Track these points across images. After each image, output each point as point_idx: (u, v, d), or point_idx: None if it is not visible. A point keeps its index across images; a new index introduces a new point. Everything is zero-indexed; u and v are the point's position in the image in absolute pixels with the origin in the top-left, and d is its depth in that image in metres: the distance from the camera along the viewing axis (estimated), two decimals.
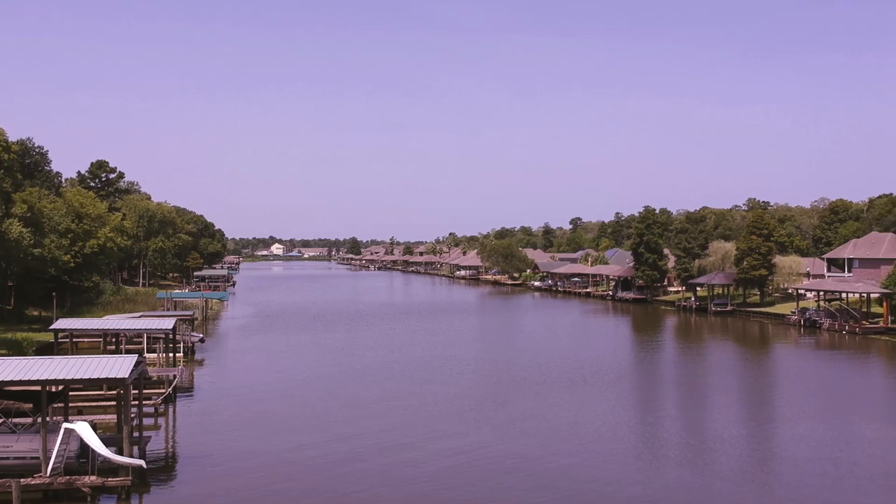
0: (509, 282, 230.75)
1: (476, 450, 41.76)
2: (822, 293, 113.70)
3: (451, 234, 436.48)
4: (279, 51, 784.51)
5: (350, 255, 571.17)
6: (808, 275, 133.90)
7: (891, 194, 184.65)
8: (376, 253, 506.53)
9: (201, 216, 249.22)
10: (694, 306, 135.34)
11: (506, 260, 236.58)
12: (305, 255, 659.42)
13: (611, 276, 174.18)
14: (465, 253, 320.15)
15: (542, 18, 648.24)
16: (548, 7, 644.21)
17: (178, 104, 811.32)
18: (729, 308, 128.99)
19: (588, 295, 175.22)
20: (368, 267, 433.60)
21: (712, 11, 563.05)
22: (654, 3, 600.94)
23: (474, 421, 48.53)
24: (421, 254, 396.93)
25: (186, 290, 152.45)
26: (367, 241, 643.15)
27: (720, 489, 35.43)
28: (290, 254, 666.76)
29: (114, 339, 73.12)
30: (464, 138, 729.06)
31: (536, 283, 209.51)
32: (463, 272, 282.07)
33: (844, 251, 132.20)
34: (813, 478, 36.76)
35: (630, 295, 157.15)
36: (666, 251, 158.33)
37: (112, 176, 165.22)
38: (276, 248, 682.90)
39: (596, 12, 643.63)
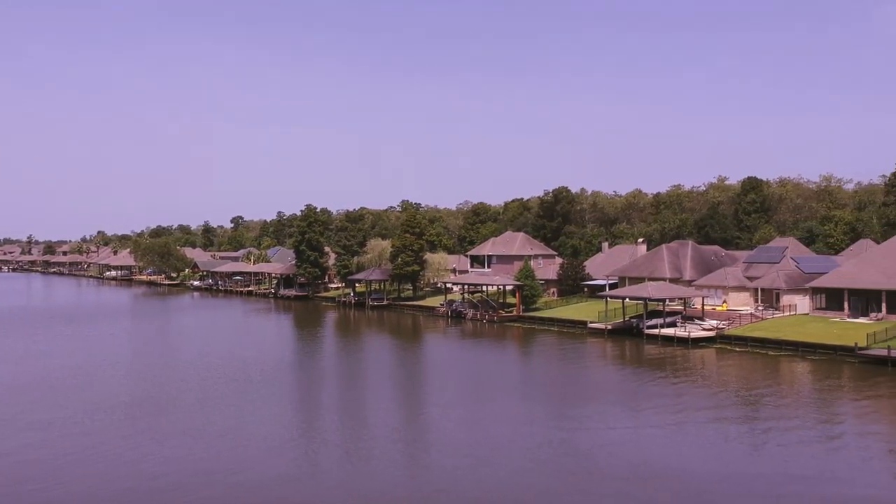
0: (166, 282, 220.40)
1: (136, 458, 39.74)
2: (466, 286, 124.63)
3: (99, 232, 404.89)
4: None
5: None
6: (454, 270, 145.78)
7: (521, 199, 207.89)
8: (10, 253, 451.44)
9: None
10: (353, 301, 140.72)
11: (162, 259, 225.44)
12: None
13: (273, 274, 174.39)
14: (116, 252, 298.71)
15: (198, 17, 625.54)
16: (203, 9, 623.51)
17: None
18: (385, 302, 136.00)
19: (251, 293, 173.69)
20: (1, 268, 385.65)
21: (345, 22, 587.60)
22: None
23: (132, 428, 46.03)
24: (65, 253, 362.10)
25: None
26: None
27: (385, 475, 37.52)
28: None
29: None
30: (113, 129, 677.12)
31: (196, 283, 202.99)
32: (114, 272, 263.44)
33: (485, 248, 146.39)
34: (469, 457, 40.21)
35: (292, 292, 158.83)
36: (327, 249, 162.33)
37: None
38: None
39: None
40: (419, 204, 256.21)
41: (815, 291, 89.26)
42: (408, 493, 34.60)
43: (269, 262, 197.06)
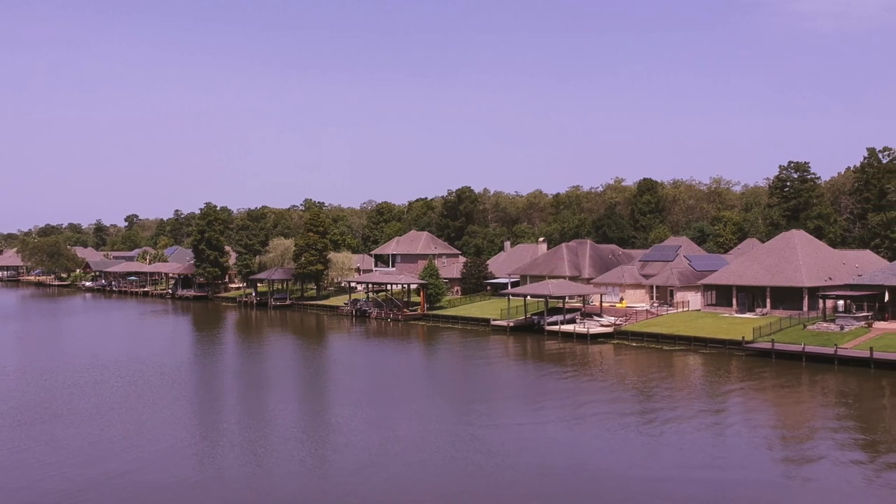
0: (56, 283, 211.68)
1: (28, 464, 38.18)
2: (370, 285, 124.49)
3: None
4: None
5: None
6: (358, 269, 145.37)
7: (425, 198, 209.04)
8: None
9: None
10: (255, 301, 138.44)
11: (52, 259, 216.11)
12: None
13: (171, 274, 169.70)
14: (1, 252, 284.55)
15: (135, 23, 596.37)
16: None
17: None
18: (288, 302, 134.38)
19: (146, 294, 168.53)
20: None
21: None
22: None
23: (23, 434, 44.11)
24: None
25: None
26: None
27: (295, 477, 37.13)
28: None
29: None
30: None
31: (88, 284, 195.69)
32: None
33: (389, 248, 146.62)
34: (381, 457, 40.22)
35: (191, 293, 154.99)
36: (228, 248, 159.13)
37: None
38: None
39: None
40: (322, 203, 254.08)
41: (707, 288, 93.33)
42: (320, 494, 34.44)
43: (166, 261, 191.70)
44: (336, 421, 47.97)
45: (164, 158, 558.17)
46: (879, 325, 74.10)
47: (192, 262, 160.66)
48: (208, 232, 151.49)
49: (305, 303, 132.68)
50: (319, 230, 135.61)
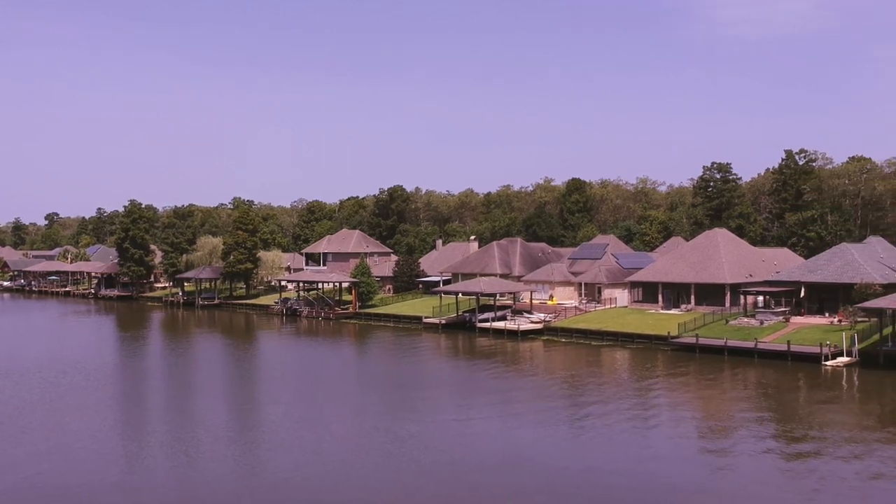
0: None
1: None
2: (301, 284, 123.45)
3: None
4: None
5: None
6: (289, 268, 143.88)
7: (357, 197, 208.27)
8: None
9: None
10: (182, 301, 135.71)
11: None
12: None
13: (93, 274, 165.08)
14: None
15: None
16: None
17: None
18: (216, 301, 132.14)
19: (68, 294, 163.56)
20: None
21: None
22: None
23: None
24: None
25: None
26: None
27: (228, 478, 36.49)
28: None
29: None
30: None
31: (6, 283, 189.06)
32: None
33: (320, 246, 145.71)
34: (316, 455, 39.73)
35: (115, 292, 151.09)
36: (153, 247, 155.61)
37: None
38: None
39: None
40: (252, 201, 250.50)
41: (633, 285, 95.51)
42: (254, 494, 33.89)
43: (88, 260, 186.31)
44: (269, 420, 47.52)
45: (85, 155, 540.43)
46: (796, 319, 77.21)
47: (116, 261, 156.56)
48: (133, 230, 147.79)
49: (234, 302, 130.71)
50: (249, 228, 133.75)
